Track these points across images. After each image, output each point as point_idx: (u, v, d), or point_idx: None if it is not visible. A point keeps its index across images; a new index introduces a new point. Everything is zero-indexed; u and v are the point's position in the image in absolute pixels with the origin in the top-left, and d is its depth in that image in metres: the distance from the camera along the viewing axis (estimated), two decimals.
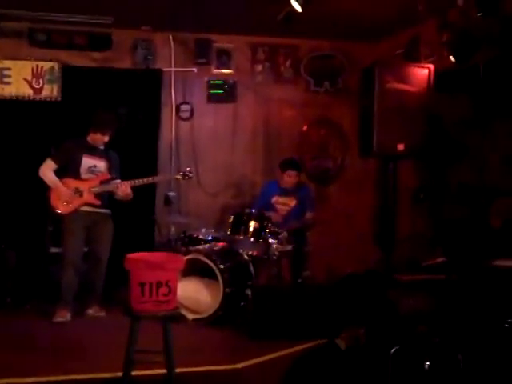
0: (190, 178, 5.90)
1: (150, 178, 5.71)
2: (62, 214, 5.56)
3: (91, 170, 5.66)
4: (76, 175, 5.59)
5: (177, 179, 5.97)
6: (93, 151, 5.68)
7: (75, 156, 5.62)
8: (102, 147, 5.74)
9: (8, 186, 6.47)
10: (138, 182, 5.63)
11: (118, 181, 5.66)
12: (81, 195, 5.56)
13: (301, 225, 6.30)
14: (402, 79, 5.71)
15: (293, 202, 6.40)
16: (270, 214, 6.15)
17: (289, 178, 6.41)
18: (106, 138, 5.70)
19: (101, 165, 5.69)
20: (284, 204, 6.44)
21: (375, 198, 7.29)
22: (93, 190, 5.59)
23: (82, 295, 5.70)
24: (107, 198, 5.71)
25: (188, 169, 5.94)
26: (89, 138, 5.68)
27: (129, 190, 5.59)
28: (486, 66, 5.45)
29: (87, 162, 5.64)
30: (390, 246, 5.89)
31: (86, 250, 5.71)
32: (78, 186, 5.56)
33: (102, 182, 5.65)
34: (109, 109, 6.42)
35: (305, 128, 7.45)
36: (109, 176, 5.70)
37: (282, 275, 5.90)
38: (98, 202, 5.61)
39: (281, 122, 7.38)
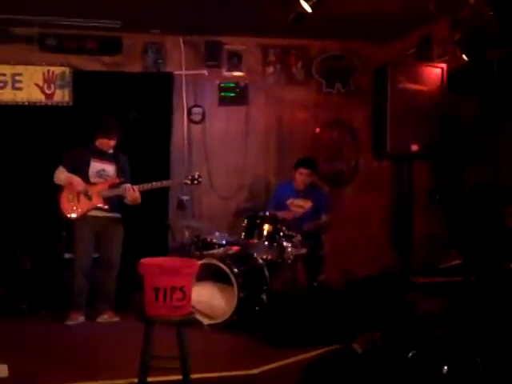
0: (199, 182, 5.89)
1: (159, 183, 5.70)
2: (71, 219, 5.58)
3: (100, 174, 5.69)
4: (85, 179, 5.62)
5: (185, 184, 5.96)
6: (101, 155, 5.71)
7: (84, 160, 5.66)
8: (110, 151, 5.78)
9: (21, 192, 6.49)
10: (147, 186, 5.62)
11: (128, 185, 5.65)
12: (90, 199, 5.58)
13: (316, 227, 6.30)
14: (414, 79, 5.71)
15: (308, 204, 6.36)
16: (283, 213, 6.14)
17: (300, 176, 6.40)
18: (113, 143, 5.73)
19: (109, 169, 5.72)
20: (299, 206, 6.42)
21: (390, 199, 7.27)
22: (101, 193, 5.60)
23: (96, 301, 5.73)
24: (117, 202, 5.72)
25: (197, 173, 5.92)
26: (97, 143, 5.72)
27: (137, 195, 5.59)
28: (499, 63, 5.43)
29: (96, 166, 5.68)
30: (405, 248, 5.88)
31: (97, 255, 5.75)
32: (87, 190, 5.58)
33: (111, 186, 5.66)
34: (120, 113, 6.49)
35: (317, 130, 7.45)
36: (118, 180, 5.71)
37: (297, 279, 5.90)
38: (107, 206, 5.63)
39: (293, 124, 7.37)
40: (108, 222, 5.69)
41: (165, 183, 5.78)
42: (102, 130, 5.68)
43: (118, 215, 5.76)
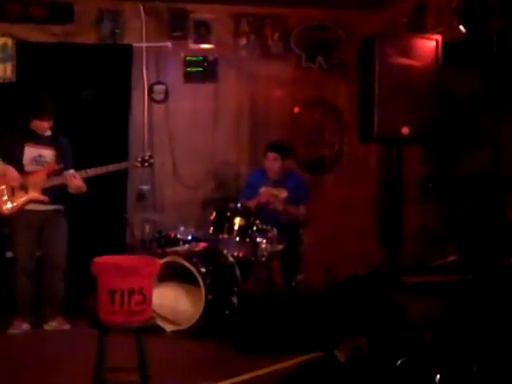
0: (150, 164, 5.87)
1: (104, 168, 5.61)
2: (6, 215, 5.54)
3: (36, 160, 5.61)
4: (19, 168, 5.54)
5: (135, 166, 5.92)
6: (37, 139, 5.64)
7: (16, 146, 5.59)
8: (48, 134, 5.71)
9: None
10: (91, 172, 5.57)
11: (70, 171, 5.61)
12: (26, 191, 5.53)
13: (293, 220, 6.30)
14: (405, 52, 5.70)
15: (283, 194, 6.35)
16: (254, 199, 6.17)
17: (268, 162, 6.43)
18: (47, 124, 5.64)
19: (47, 154, 5.65)
20: (274, 196, 6.42)
21: (377, 188, 7.32)
22: (39, 184, 5.54)
23: (42, 306, 5.70)
24: (59, 192, 5.68)
25: (148, 154, 5.92)
26: (32, 125, 5.64)
27: (80, 182, 5.56)
28: (500, 35, 5.44)
29: (31, 151, 5.60)
30: (395, 244, 5.88)
31: (39, 254, 5.71)
32: (22, 181, 5.52)
33: (51, 174, 5.60)
34: (72, 90, 6.47)
35: (296, 110, 7.46)
36: (57, 166, 5.64)
37: (272, 279, 5.93)
38: (47, 199, 5.58)
39: (269, 104, 7.37)
40: (49, 216, 5.64)
41: (111, 168, 5.66)
42: (35, 111, 5.60)
43: (60, 207, 5.72)
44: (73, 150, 5.81)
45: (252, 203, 6.14)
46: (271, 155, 6.42)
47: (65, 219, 5.74)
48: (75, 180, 5.53)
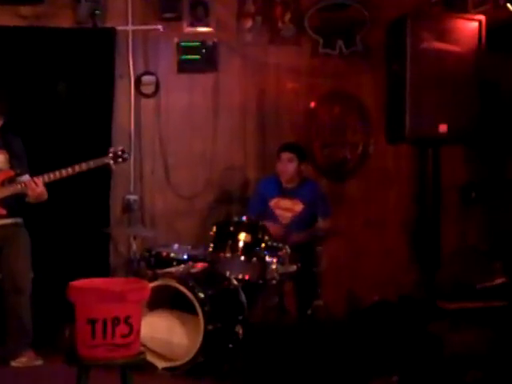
0: (124, 160, 5.92)
1: (70, 169, 5.62)
2: None
3: None
4: None
5: (107, 164, 5.88)
6: None
7: None
8: None
9: None
10: (54, 175, 5.58)
11: (26, 177, 5.62)
12: None
13: (310, 237, 6.29)
14: (443, 36, 5.78)
15: (298, 206, 6.41)
16: (268, 223, 6.17)
17: (282, 165, 6.46)
18: None
19: None
20: (287, 209, 6.46)
21: (410, 198, 7.29)
22: None
23: (8, 338, 5.66)
24: (15, 202, 5.68)
25: (120, 147, 5.94)
26: None
27: (40, 189, 5.55)
28: None
29: None
30: (431, 263, 5.95)
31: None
32: None
33: (5, 182, 5.59)
34: (44, 83, 6.46)
35: (312, 105, 7.43)
36: (12, 172, 5.65)
37: (284, 306, 5.92)
38: (3, 212, 5.59)
39: (279, 98, 7.35)
40: (7, 231, 5.64)
41: (78, 168, 5.66)
42: None
43: (18, 220, 5.74)
44: (55, 156, 5.84)
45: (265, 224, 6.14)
46: (285, 155, 6.45)
47: (26, 233, 5.75)
48: (36, 187, 5.54)
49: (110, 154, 5.85)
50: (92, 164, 5.80)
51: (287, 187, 6.50)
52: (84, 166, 5.71)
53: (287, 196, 6.48)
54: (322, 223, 6.43)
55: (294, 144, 6.64)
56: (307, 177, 6.70)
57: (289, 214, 6.46)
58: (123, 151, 5.89)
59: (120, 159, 5.87)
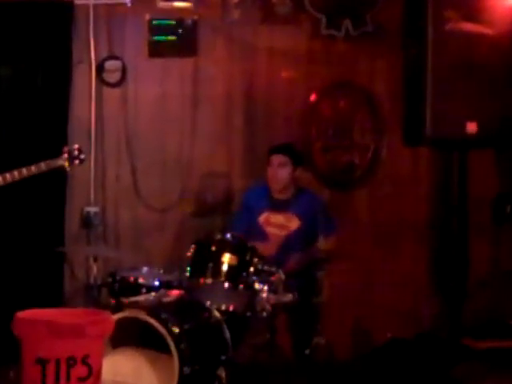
0: (81, 161, 5.93)
1: (16, 173, 5.59)
2: None
3: None
4: None
5: (61, 167, 5.88)
6: None
7: None
8: None
9: None
10: None
11: None
12: None
13: (309, 260, 6.28)
14: (471, 16, 5.79)
15: (294, 223, 6.44)
16: (257, 244, 6.11)
17: (272, 170, 6.47)
18: None
19: None
20: (279, 226, 6.48)
21: (431, 212, 7.28)
22: None
23: None
24: None
25: (76, 146, 5.96)
26: None
27: None
28: None
29: None
30: (456, 293, 5.94)
31: None
32: None
33: None
34: None
35: (312, 98, 7.43)
36: None
37: (276, 344, 5.81)
38: None
39: (272, 89, 7.38)
40: None
41: (25, 172, 5.65)
42: None
43: None
44: (5, 158, 5.91)
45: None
46: (276, 159, 6.48)
47: None
48: None
49: (65, 155, 5.86)
50: (43, 166, 5.79)
51: (279, 199, 6.51)
52: (34, 170, 5.71)
53: (280, 210, 6.48)
54: (323, 243, 6.29)
55: (288, 145, 6.66)
56: (304, 186, 6.69)
57: (282, 233, 6.46)
58: (80, 150, 5.92)
59: (76, 161, 5.91)
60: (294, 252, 6.31)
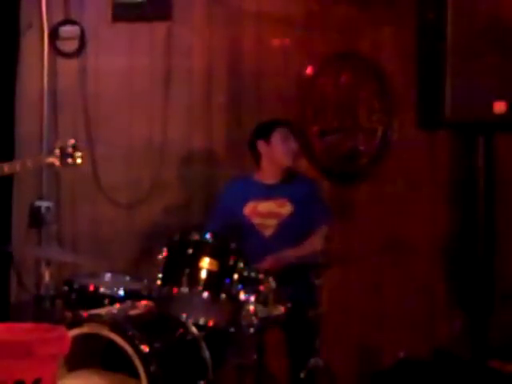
0: (75, 161, 6.00)
1: None
2: None
3: None
4: None
5: (50, 164, 6.02)
6: None
7: None
8: None
9: None
10: None
11: None
12: None
13: (303, 259, 6.27)
14: None
15: (286, 208, 6.49)
16: (265, 261, 6.16)
17: (279, 146, 6.52)
18: None
19: None
20: (269, 214, 6.52)
21: (449, 209, 7.32)
22: None
23: None
24: None
25: (71, 141, 5.99)
26: None
27: None
28: None
29: None
30: (481, 307, 5.94)
31: None
32: None
33: None
34: None
35: (309, 71, 7.44)
36: None
37: (265, 365, 5.92)
38: None
39: (261, 60, 7.45)
40: None
41: (7, 170, 5.86)
42: None
43: None
44: None
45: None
46: (282, 131, 6.52)
47: None
48: None
49: (57, 151, 5.98)
50: (29, 163, 6.04)
51: (267, 184, 6.61)
52: (17, 167, 5.98)
53: (269, 196, 6.53)
54: (318, 238, 6.43)
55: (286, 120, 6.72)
56: (298, 171, 6.73)
57: (272, 222, 6.51)
58: (76, 148, 6.04)
59: (70, 159, 6.02)
60: (286, 245, 6.29)
